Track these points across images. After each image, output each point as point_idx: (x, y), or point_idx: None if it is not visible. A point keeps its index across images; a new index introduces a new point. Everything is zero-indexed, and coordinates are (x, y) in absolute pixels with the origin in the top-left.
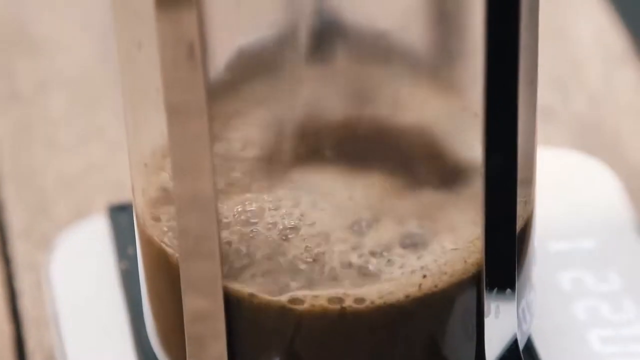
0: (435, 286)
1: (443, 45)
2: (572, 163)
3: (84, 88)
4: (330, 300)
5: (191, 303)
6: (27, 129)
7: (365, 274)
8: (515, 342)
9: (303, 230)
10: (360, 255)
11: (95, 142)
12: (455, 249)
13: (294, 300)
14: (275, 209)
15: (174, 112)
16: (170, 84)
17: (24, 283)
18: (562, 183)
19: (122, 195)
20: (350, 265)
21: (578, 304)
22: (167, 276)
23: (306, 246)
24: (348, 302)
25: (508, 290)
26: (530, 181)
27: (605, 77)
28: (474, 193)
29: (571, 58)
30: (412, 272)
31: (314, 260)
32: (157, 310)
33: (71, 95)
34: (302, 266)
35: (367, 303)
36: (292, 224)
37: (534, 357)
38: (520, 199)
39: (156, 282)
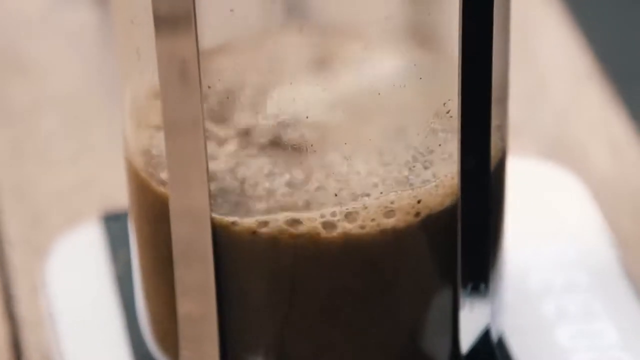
0: (430, 208)
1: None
2: (541, 172)
3: (74, 107)
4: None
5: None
6: (21, 146)
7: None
8: (487, 334)
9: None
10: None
11: (86, 158)
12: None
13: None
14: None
15: (171, 127)
16: (168, 100)
17: (20, 289)
18: (531, 190)
19: (113, 208)
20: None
21: (548, 302)
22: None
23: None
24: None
25: (482, 285)
26: (504, 102)
27: (571, 93)
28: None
29: (538, 76)
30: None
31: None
32: (152, 306)
33: (62, 114)
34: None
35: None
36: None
37: (505, 350)
38: (494, 123)
39: (150, 271)
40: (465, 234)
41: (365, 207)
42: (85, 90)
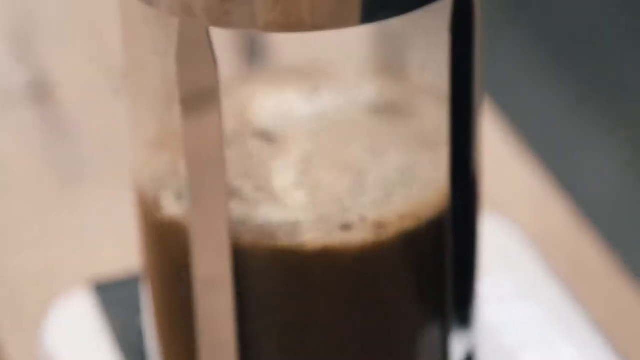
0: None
1: None
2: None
3: (30, 195)
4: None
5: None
6: None
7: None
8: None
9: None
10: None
11: (50, 240)
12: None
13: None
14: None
15: (196, 198)
16: (196, 179)
17: None
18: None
19: (99, 278)
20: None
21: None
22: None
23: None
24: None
25: (468, 312)
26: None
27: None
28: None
29: None
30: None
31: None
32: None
33: (20, 202)
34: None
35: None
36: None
37: None
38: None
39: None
40: (455, 255)
41: (363, 219)
42: (38, 179)
